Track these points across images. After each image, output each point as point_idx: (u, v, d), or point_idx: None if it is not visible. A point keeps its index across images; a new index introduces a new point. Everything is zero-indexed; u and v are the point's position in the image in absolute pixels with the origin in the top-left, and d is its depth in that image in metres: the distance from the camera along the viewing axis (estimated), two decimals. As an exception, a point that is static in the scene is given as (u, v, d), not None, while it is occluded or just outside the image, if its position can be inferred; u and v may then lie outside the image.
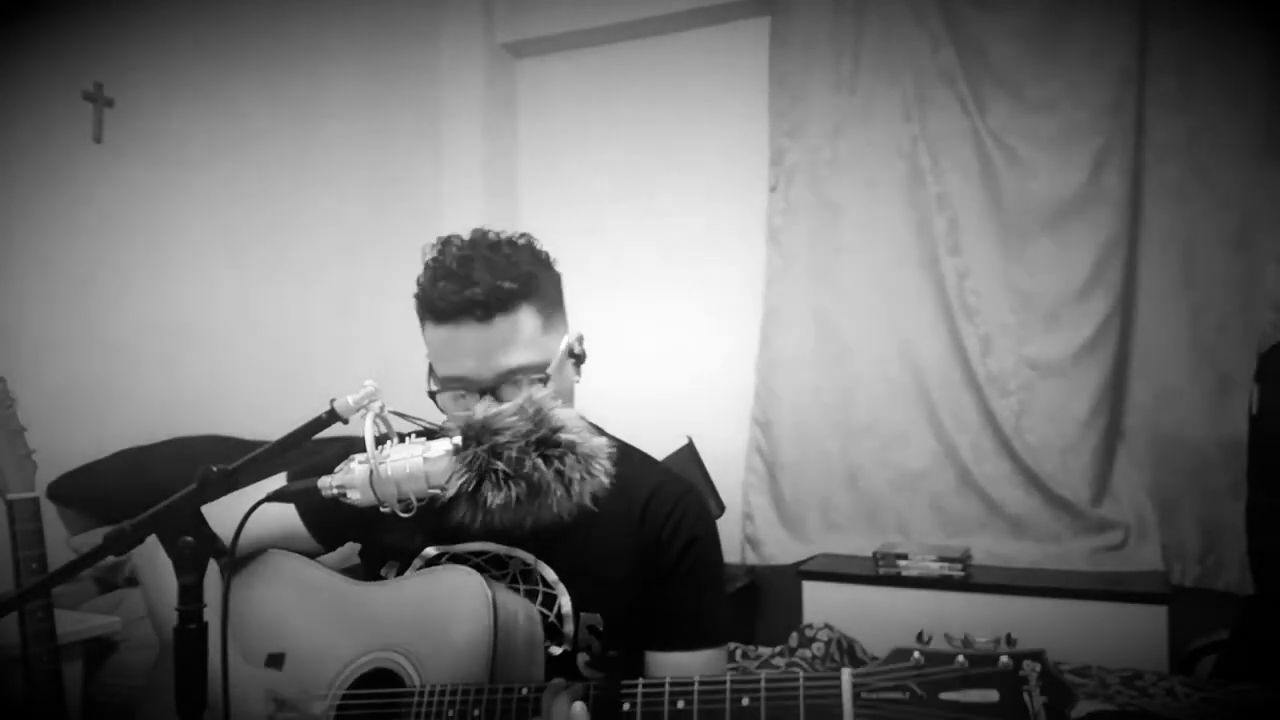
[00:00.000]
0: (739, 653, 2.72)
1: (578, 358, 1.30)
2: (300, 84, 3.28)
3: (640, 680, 1.03)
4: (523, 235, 1.27)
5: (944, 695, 0.88)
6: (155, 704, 1.28)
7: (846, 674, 0.92)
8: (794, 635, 2.76)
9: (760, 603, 3.38)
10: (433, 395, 1.24)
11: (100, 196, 2.65)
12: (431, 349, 1.23)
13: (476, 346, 1.18)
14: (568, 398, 1.27)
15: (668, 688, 1.01)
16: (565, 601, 1.24)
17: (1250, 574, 2.94)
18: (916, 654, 0.90)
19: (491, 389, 1.19)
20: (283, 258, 3.20)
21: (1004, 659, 0.88)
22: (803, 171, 3.51)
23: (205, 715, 0.92)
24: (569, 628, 1.24)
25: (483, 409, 1.04)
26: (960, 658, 0.89)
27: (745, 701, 0.98)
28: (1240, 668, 2.65)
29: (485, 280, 1.18)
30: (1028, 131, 3.23)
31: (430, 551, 1.29)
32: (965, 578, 3.01)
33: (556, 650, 1.23)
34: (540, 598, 1.24)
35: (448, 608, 1.16)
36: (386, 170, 3.67)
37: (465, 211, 3.81)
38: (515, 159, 4.10)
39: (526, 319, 1.20)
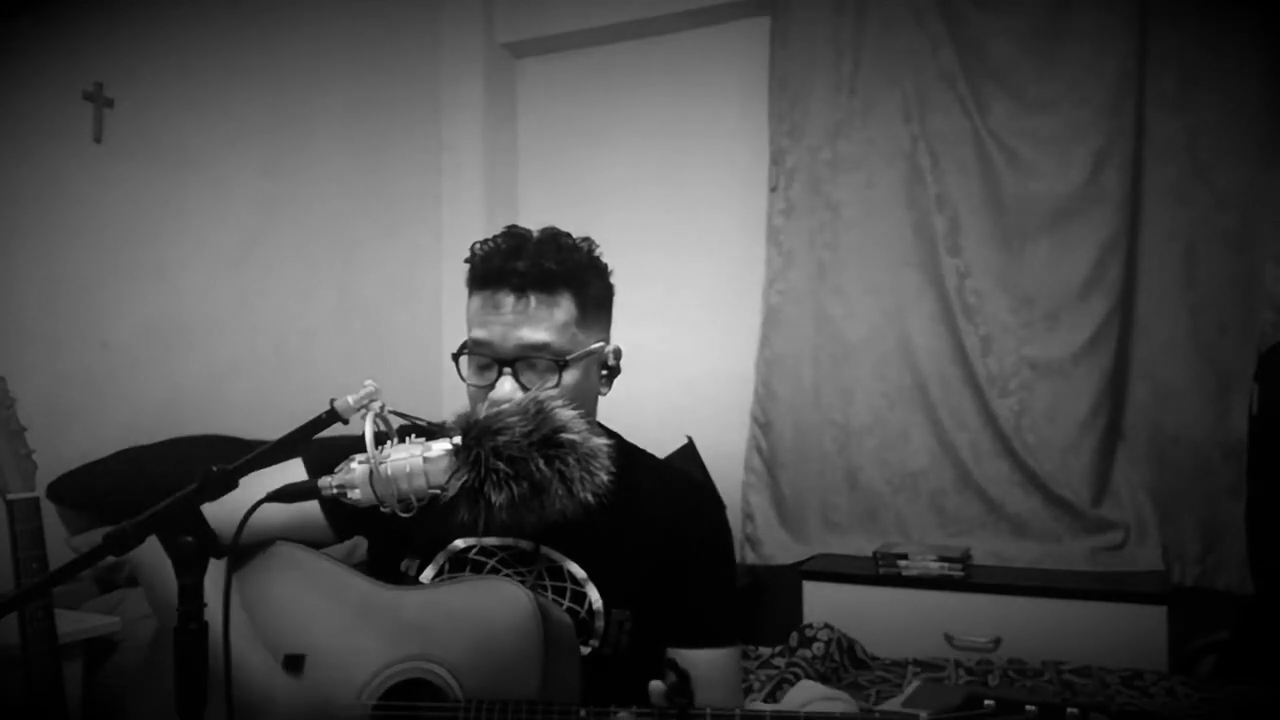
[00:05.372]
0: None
1: (610, 370, 1.30)
2: (300, 83, 3.28)
3: (709, 709, 1.01)
4: (585, 239, 1.29)
5: None
6: (143, 701, 1.27)
7: (924, 716, 0.95)
8: (794, 635, 2.76)
9: (760, 603, 3.37)
10: (455, 357, 1.25)
11: (100, 197, 2.65)
12: (468, 315, 1.25)
13: (506, 316, 1.20)
14: (589, 404, 1.26)
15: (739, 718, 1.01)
16: (595, 597, 1.24)
17: (1250, 574, 2.93)
18: (989, 701, 0.93)
19: (510, 363, 1.20)
20: (282, 257, 3.20)
21: (1071, 710, 0.90)
22: (803, 171, 3.51)
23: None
24: (599, 624, 1.23)
25: (485, 408, 1.04)
26: (1030, 707, 0.91)
27: None
28: (1240, 668, 2.65)
29: (531, 256, 1.21)
30: (1028, 131, 3.22)
31: (459, 544, 1.27)
32: (965, 578, 3.01)
33: (585, 649, 1.22)
34: (569, 594, 1.24)
35: (491, 618, 1.12)
36: (386, 170, 3.67)
37: (465, 211, 3.81)
38: (515, 159, 4.10)
39: (562, 307, 1.21)
